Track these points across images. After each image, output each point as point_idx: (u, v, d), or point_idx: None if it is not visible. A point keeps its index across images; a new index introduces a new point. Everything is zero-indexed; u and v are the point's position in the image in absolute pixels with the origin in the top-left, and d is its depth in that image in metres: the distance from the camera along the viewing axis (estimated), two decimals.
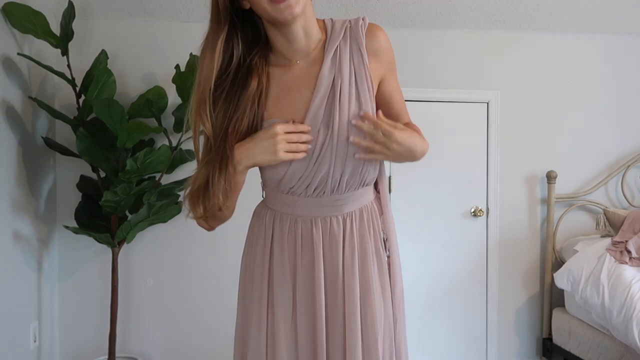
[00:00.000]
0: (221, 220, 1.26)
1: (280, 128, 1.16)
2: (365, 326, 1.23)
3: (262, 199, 1.37)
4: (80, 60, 2.80)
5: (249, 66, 1.20)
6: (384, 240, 1.31)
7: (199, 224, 1.25)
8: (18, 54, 2.51)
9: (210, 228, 1.27)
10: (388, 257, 1.31)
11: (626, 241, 2.86)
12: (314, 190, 1.23)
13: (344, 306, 1.22)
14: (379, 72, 1.24)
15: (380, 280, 1.27)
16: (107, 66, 2.66)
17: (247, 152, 1.18)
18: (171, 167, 2.78)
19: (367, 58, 1.22)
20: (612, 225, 3.08)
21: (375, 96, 1.24)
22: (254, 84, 1.19)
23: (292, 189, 1.24)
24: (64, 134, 2.84)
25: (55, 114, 2.57)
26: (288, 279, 1.25)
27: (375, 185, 1.34)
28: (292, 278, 1.25)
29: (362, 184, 1.26)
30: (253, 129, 1.20)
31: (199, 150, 1.23)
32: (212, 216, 1.22)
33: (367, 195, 1.30)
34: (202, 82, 1.17)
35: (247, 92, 1.19)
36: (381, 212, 1.32)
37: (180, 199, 1.29)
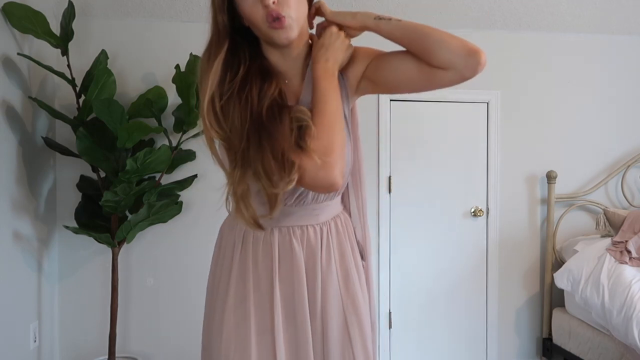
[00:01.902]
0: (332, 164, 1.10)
1: (335, 26, 1.22)
2: (356, 326, 1.25)
3: (229, 213, 1.34)
4: (80, 60, 2.80)
5: (262, 66, 1.20)
6: (359, 249, 1.36)
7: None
8: (18, 54, 2.51)
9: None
10: (363, 265, 1.36)
11: (626, 241, 2.86)
12: (295, 199, 1.23)
13: (322, 312, 1.24)
14: (359, 69, 1.26)
15: (360, 284, 1.31)
16: (107, 66, 2.66)
17: (334, 57, 1.19)
18: (171, 167, 2.79)
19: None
20: (612, 225, 3.08)
21: (379, 75, 1.24)
22: (274, 81, 1.20)
23: None
24: (64, 134, 2.84)
25: (55, 114, 2.57)
26: (265, 293, 1.24)
27: (342, 199, 1.37)
28: (270, 290, 1.24)
29: (337, 192, 1.30)
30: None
31: (217, 154, 1.18)
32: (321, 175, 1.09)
33: (338, 205, 1.34)
34: (207, 99, 1.13)
35: (270, 85, 1.17)
36: (358, 222, 1.38)
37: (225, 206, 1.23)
